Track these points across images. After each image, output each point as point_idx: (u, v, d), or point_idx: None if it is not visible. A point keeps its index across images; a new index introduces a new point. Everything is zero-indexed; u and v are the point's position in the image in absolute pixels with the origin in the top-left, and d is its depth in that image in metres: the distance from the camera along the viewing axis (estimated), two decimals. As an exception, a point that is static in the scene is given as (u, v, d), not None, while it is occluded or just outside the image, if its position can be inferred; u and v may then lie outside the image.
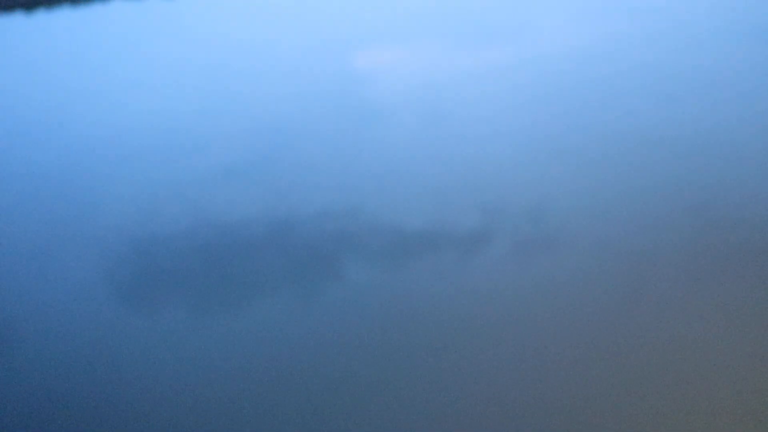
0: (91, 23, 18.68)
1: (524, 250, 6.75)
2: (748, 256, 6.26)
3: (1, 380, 5.72)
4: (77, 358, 5.90)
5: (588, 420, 4.76)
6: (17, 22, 19.89)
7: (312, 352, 5.69)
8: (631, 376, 5.08)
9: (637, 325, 5.57)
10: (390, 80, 12.05)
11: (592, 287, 6.08)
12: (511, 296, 6.09)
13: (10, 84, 14.22)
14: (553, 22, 14.60)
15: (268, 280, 6.73)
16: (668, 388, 4.96)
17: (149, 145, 10.22)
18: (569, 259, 6.50)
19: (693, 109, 9.46)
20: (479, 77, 11.60)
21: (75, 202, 8.65)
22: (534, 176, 8.10)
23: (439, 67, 12.46)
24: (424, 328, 5.81)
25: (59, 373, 5.74)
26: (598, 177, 7.91)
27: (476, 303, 6.05)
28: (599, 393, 4.98)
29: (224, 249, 7.31)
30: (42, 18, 19.80)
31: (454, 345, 5.59)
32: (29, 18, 19.88)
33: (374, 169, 8.69)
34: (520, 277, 6.34)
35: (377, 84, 11.93)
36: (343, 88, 11.77)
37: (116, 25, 18.20)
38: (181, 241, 7.56)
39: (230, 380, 5.48)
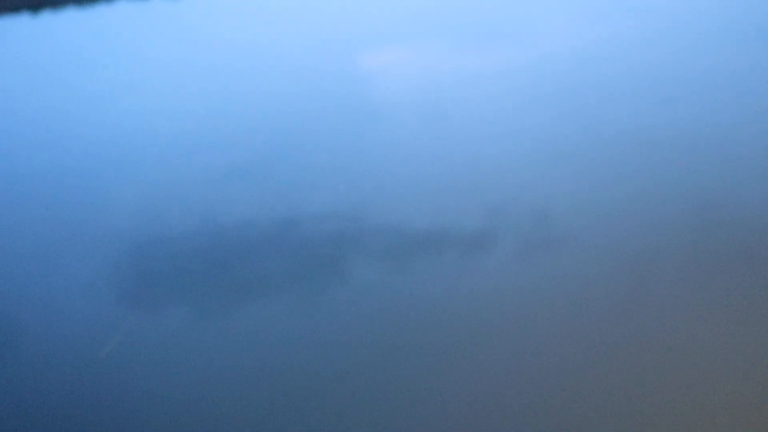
0: (95, 24, 18.70)
1: (527, 251, 6.76)
2: (752, 257, 6.27)
3: (3, 380, 5.74)
4: (78, 358, 5.92)
5: (592, 421, 4.77)
6: (23, 22, 19.92)
7: (314, 352, 5.70)
8: (635, 377, 5.09)
9: (641, 326, 5.58)
10: (392, 81, 12.06)
11: (595, 288, 6.08)
12: (514, 297, 6.09)
13: (16, 84, 14.24)
14: (556, 22, 14.59)
15: (270, 281, 6.74)
16: (673, 389, 4.96)
17: (151, 145, 10.24)
18: (572, 260, 6.51)
19: (696, 111, 9.45)
20: (482, 78, 11.60)
21: (77, 203, 8.67)
22: (537, 177, 8.10)
23: (441, 67, 12.47)
24: (427, 329, 5.82)
25: (61, 374, 5.76)
26: (601, 178, 7.92)
27: (479, 304, 6.06)
28: (603, 394, 4.99)
29: (226, 250, 7.32)
30: (48, 19, 19.82)
31: (456, 346, 5.60)
32: (35, 19, 19.92)
33: (376, 170, 8.70)
34: (523, 277, 6.35)
35: (380, 84, 11.94)
36: (345, 88, 11.78)
37: (121, 26, 18.22)
38: (183, 241, 7.58)
39: (233, 381, 5.49)
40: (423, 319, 5.95)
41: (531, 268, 6.48)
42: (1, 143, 11.18)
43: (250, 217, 7.90)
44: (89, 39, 17.35)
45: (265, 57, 14.12)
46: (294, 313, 6.23)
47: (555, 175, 8.10)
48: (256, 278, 6.82)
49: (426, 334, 5.78)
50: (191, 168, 9.33)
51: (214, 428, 5.06)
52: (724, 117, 9.16)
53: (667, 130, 8.92)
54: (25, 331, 6.38)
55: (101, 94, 12.79)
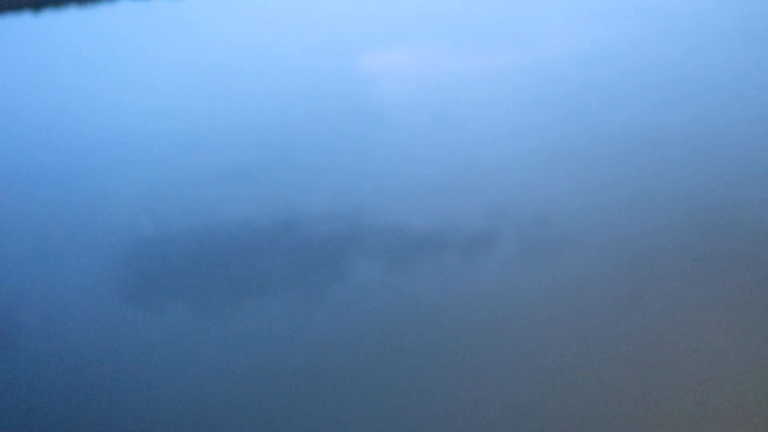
0: (97, 23, 18.70)
1: (527, 252, 6.76)
2: (753, 258, 6.27)
3: (5, 379, 5.75)
4: (80, 357, 5.93)
5: (593, 421, 4.78)
6: (25, 21, 19.92)
7: (314, 352, 5.71)
8: (636, 378, 5.10)
9: (641, 326, 5.58)
10: (394, 81, 12.06)
11: (595, 289, 6.09)
12: (514, 298, 6.10)
13: (17, 83, 14.25)
14: (557, 24, 14.59)
15: (270, 281, 6.75)
16: (673, 390, 4.97)
17: (152, 145, 10.25)
18: (572, 261, 6.52)
19: (697, 112, 9.46)
20: (482, 79, 11.60)
21: (78, 202, 8.67)
22: (537, 178, 8.11)
23: (442, 68, 12.47)
24: (427, 330, 5.83)
25: (62, 373, 5.77)
26: (602, 179, 7.92)
27: (479, 304, 6.07)
28: (604, 394, 4.99)
29: (227, 249, 7.33)
30: (49, 18, 19.82)
31: (456, 346, 5.60)
32: (37, 18, 19.91)
33: (377, 170, 8.71)
34: (523, 278, 6.36)
35: (380, 85, 11.94)
36: (346, 89, 11.78)
37: (122, 26, 18.22)
38: (183, 241, 7.59)
39: (233, 380, 5.50)
40: (423, 320, 5.96)
41: (531, 269, 6.49)
42: (2, 142, 11.18)
43: (251, 217, 7.91)
44: (91, 38, 17.35)
45: (266, 57, 14.13)
46: (294, 313, 6.24)
47: (556, 176, 8.10)
48: (256, 278, 6.83)
49: (426, 334, 5.79)
50: (192, 168, 9.34)
51: (214, 428, 5.07)
52: (725, 118, 9.17)
53: (667, 132, 8.93)
54: (25, 330, 6.39)
55: (102, 93, 12.79)
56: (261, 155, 9.51)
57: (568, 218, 7.22)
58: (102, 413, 5.31)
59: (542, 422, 4.83)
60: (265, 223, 7.77)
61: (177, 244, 7.55)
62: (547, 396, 5.04)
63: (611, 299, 5.96)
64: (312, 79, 12.34)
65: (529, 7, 16.13)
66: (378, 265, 6.81)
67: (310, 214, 7.82)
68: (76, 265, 7.33)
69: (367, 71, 12.71)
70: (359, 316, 6.10)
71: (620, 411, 4.85)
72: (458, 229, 7.26)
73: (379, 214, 7.71)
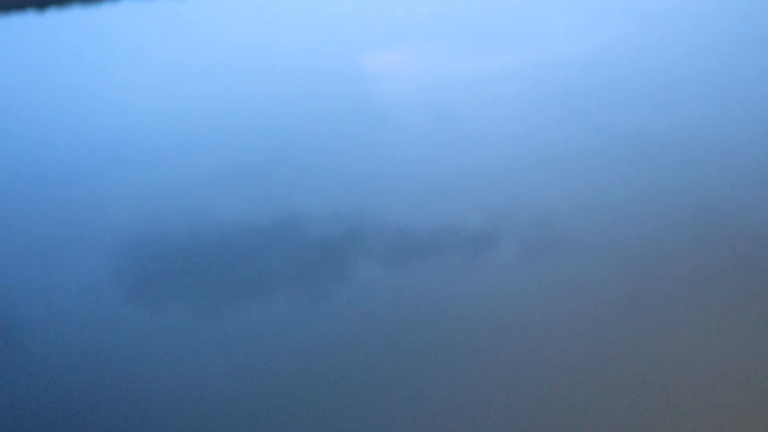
0: (100, 23, 18.73)
1: (529, 253, 6.77)
2: (754, 261, 6.27)
3: (5, 377, 5.76)
4: (80, 356, 5.94)
5: (594, 423, 4.78)
6: (29, 20, 19.95)
7: (314, 353, 5.71)
8: (637, 380, 5.10)
9: (644, 329, 5.58)
10: (395, 82, 12.07)
11: (597, 291, 6.09)
12: (516, 299, 6.10)
13: (20, 82, 14.27)
14: (561, 26, 14.59)
15: (271, 281, 6.75)
16: (674, 392, 4.97)
17: (154, 145, 10.26)
18: (574, 263, 6.52)
19: (699, 115, 9.46)
20: (485, 80, 11.61)
21: (79, 202, 8.69)
22: (540, 180, 8.11)
23: (444, 69, 12.48)
24: (428, 331, 5.83)
25: (62, 372, 5.77)
26: (604, 182, 7.92)
27: (482, 305, 6.07)
28: (605, 397, 4.99)
29: (228, 249, 7.34)
30: (53, 17, 19.84)
31: (458, 348, 5.60)
32: (41, 16, 19.94)
33: (378, 171, 8.71)
34: (525, 280, 6.36)
35: (382, 85, 11.95)
36: (348, 89, 11.79)
37: (125, 25, 18.24)
38: (185, 241, 7.60)
39: (233, 381, 5.50)
40: (424, 321, 5.96)
41: (532, 271, 6.49)
42: (4, 141, 11.20)
43: (252, 218, 7.91)
44: (94, 37, 17.38)
45: (268, 57, 14.14)
46: (294, 313, 6.25)
47: (557, 178, 8.11)
48: (257, 278, 6.84)
49: (427, 335, 5.79)
50: (194, 168, 9.35)
51: (213, 427, 5.07)
52: (727, 121, 9.17)
53: (669, 134, 8.93)
54: (25, 329, 6.39)
55: (104, 93, 12.81)
56: (262, 155, 9.52)
57: (569, 220, 7.23)
58: (101, 412, 5.31)
59: (543, 423, 4.83)
60: (266, 223, 7.78)
61: (177, 243, 7.56)
62: (548, 397, 5.04)
63: (612, 301, 5.96)
64: (313, 80, 12.35)
65: (531, 8, 16.14)
66: (379, 266, 6.81)
67: (311, 215, 7.83)
68: (77, 264, 7.34)
69: (368, 72, 12.72)
70: (360, 317, 6.10)
71: (620, 412, 4.85)
72: (459, 230, 7.26)
73: (380, 214, 7.72)
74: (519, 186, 8.05)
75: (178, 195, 8.61)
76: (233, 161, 9.39)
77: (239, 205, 8.21)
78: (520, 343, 5.59)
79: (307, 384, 5.39)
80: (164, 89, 12.76)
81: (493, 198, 7.84)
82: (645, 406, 4.88)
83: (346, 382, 5.38)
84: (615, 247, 6.67)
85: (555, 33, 14.14)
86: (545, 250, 6.78)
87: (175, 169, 9.33)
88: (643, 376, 5.13)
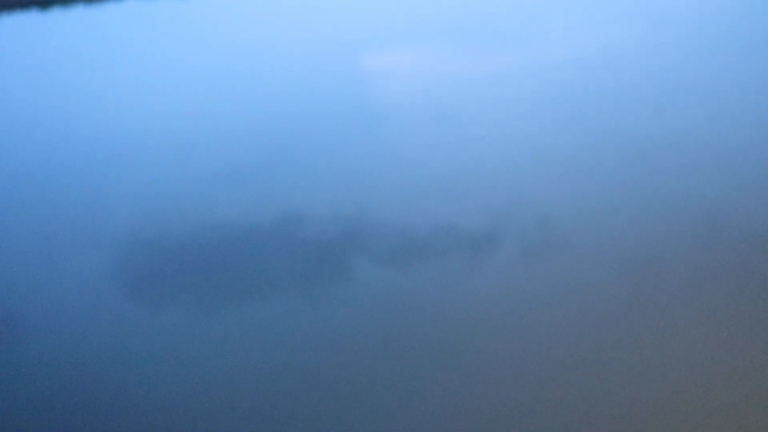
0: (103, 22, 18.72)
1: (531, 254, 6.76)
2: (753, 263, 6.27)
3: (7, 375, 5.77)
4: (81, 354, 5.94)
5: (595, 423, 4.78)
6: (32, 19, 19.95)
7: (315, 351, 5.71)
8: (638, 381, 5.10)
9: (644, 330, 5.58)
10: (397, 83, 12.06)
11: (598, 293, 6.09)
12: (517, 300, 6.10)
13: (22, 81, 14.26)
14: (562, 29, 14.58)
15: (273, 280, 6.75)
16: (672, 393, 4.97)
17: (157, 145, 10.25)
18: (574, 264, 6.51)
19: (702, 118, 9.45)
20: (487, 81, 11.60)
21: (81, 201, 8.68)
22: (541, 182, 8.11)
23: (446, 70, 12.47)
24: (430, 331, 5.83)
25: (64, 369, 5.78)
26: (605, 184, 7.92)
27: (482, 306, 6.06)
28: (606, 397, 5.00)
29: (229, 249, 7.34)
30: (56, 16, 19.85)
31: (459, 348, 5.60)
32: (44, 15, 19.94)
33: (380, 171, 8.71)
34: (525, 281, 6.35)
35: (385, 86, 11.94)
36: (350, 90, 11.78)
37: (128, 25, 18.24)
38: (186, 240, 7.59)
39: (234, 378, 5.50)
40: (424, 321, 5.96)
41: (533, 272, 6.49)
42: (5, 139, 11.20)
43: (254, 217, 7.91)
44: (96, 37, 17.38)
45: (270, 58, 14.13)
46: (295, 312, 6.25)
47: (558, 180, 8.10)
48: (258, 277, 6.84)
49: (427, 336, 5.79)
50: (195, 167, 9.34)
51: (215, 425, 5.08)
52: (729, 125, 9.16)
53: (671, 137, 8.92)
54: (27, 326, 6.40)
55: (106, 92, 12.81)
56: (263, 155, 9.52)
57: (570, 222, 7.22)
58: (102, 408, 5.32)
59: (543, 423, 4.84)
60: (267, 222, 7.78)
61: (178, 242, 7.56)
62: (548, 397, 5.04)
63: (612, 303, 5.96)
64: (315, 80, 12.34)
65: (533, 11, 16.12)
66: (379, 266, 6.81)
67: (312, 215, 7.83)
68: (77, 263, 7.34)
69: (369, 72, 12.72)
70: (360, 317, 6.10)
71: (621, 412, 4.86)
72: (460, 231, 7.26)
73: (381, 214, 7.72)
74: (520, 187, 8.04)
75: (179, 194, 8.61)
76: (234, 161, 9.39)
77: (240, 204, 8.21)
78: (520, 344, 5.59)
79: (307, 383, 5.39)
80: (166, 89, 12.76)
81: (493, 199, 7.84)
82: (645, 406, 4.88)
83: (346, 381, 5.38)
84: (615, 249, 6.67)
85: (556, 35, 14.13)
86: (545, 251, 6.78)
87: (176, 169, 9.32)
88: (643, 377, 5.14)
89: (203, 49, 15.12)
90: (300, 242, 7.32)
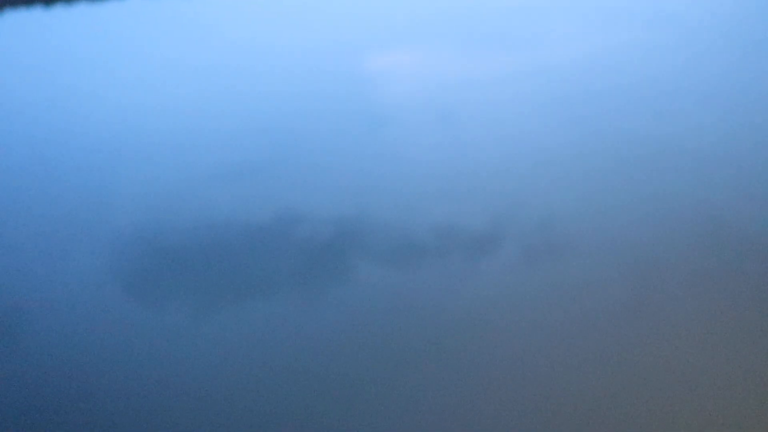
0: (106, 20, 18.72)
1: (532, 256, 6.77)
2: (756, 265, 6.27)
3: (9, 373, 5.77)
4: (82, 352, 5.95)
5: (595, 425, 4.79)
6: (36, 16, 19.95)
7: (317, 352, 5.72)
8: (639, 382, 5.11)
9: (646, 332, 5.59)
10: (399, 84, 12.06)
11: (599, 295, 6.10)
12: (518, 301, 6.11)
13: (25, 78, 14.26)
14: (563, 30, 14.57)
15: (274, 280, 6.76)
16: (676, 394, 4.98)
17: (158, 143, 10.26)
18: (576, 266, 6.52)
19: (704, 121, 9.45)
20: (488, 83, 11.60)
21: (82, 200, 8.68)
22: (543, 183, 8.11)
23: (448, 71, 12.46)
24: (430, 332, 5.84)
25: (66, 368, 5.78)
26: (607, 186, 7.92)
27: (483, 307, 6.07)
28: (606, 398, 5.00)
29: (230, 248, 7.34)
30: (60, 13, 19.84)
31: (459, 349, 5.61)
32: (48, 13, 19.94)
33: (382, 172, 8.71)
34: (527, 282, 6.36)
35: (386, 87, 11.94)
36: (352, 90, 11.78)
37: (131, 23, 18.24)
38: (186, 239, 7.60)
39: (235, 377, 5.51)
40: (425, 322, 5.96)
41: (535, 274, 6.49)
42: (7, 137, 11.21)
43: (254, 217, 7.92)
44: (99, 35, 17.37)
45: (273, 58, 14.13)
46: (296, 312, 6.25)
47: (560, 182, 8.11)
48: (259, 277, 6.85)
49: (428, 337, 5.79)
50: (196, 166, 9.34)
51: (214, 424, 5.08)
52: (731, 128, 9.16)
53: (673, 140, 8.92)
54: (27, 324, 6.41)
55: (107, 90, 12.81)
56: (264, 155, 9.52)
57: (571, 224, 7.23)
58: (102, 406, 5.32)
59: (544, 424, 4.84)
60: (268, 222, 7.78)
61: (178, 241, 7.57)
62: (548, 398, 5.05)
63: (613, 305, 5.97)
64: (317, 80, 12.34)
65: (535, 12, 16.11)
66: (380, 267, 6.82)
67: (313, 215, 7.83)
68: (78, 261, 7.35)
69: (371, 73, 12.72)
70: (360, 317, 6.11)
71: (621, 414, 4.86)
72: (461, 232, 7.27)
73: (382, 215, 7.72)
74: (521, 188, 8.05)
75: (180, 193, 8.62)
76: (235, 160, 9.39)
77: (240, 203, 8.21)
78: (521, 345, 5.59)
79: (306, 383, 5.40)
80: (168, 87, 12.76)
81: (494, 200, 7.84)
82: (645, 408, 4.88)
83: (346, 381, 5.39)
84: (617, 252, 6.68)
85: (558, 37, 14.12)
86: (547, 253, 6.78)
87: (177, 168, 9.33)
88: (643, 379, 5.14)
89: (205, 48, 15.12)
90: (300, 242, 7.32)
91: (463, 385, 5.24)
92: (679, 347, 5.42)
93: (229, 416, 5.16)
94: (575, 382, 5.18)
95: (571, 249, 6.79)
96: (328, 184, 8.50)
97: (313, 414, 5.10)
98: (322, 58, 13.59)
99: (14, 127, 11.56)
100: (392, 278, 6.63)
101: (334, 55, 13.68)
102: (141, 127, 10.90)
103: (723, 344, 5.43)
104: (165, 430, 5.09)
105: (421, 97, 11.24)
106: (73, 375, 5.69)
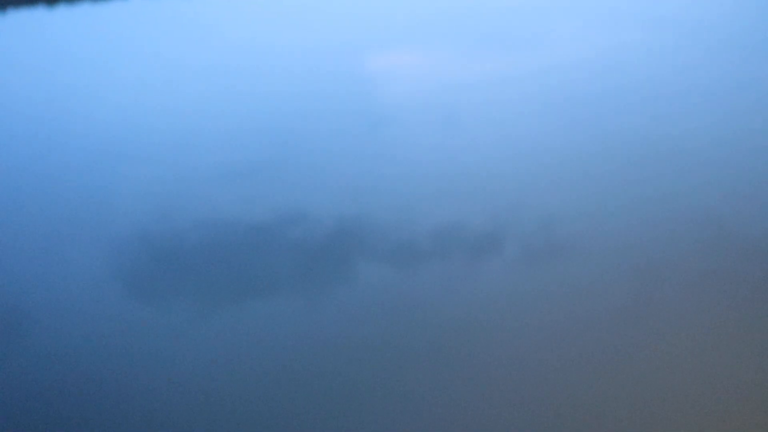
0: (109, 20, 18.74)
1: (533, 257, 6.77)
2: (756, 267, 6.28)
3: (10, 373, 5.78)
4: (85, 351, 5.96)
5: (595, 426, 4.79)
6: (38, 16, 19.96)
7: (318, 352, 5.72)
8: (639, 384, 5.11)
9: (646, 334, 5.59)
10: (401, 84, 12.07)
11: (600, 296, 6.10)
12: (519, 302, 6.11)
13: (27, 78, 14.27)
14: (566, 31, 14.58)
15: (275, 280, 6.76)
16: (676, 396, 4.98)
17: (161, 143, 10.26)
18: (578, 267, 6.52)
19: (704, 122, 9.45)
20: (490, 84, 11.60)
21: (83, 200, 8.69)
22: (545, 184, 8.11)
23: (450, 72, 12.47)
24: (431, 332, 5.84)
25: (68, 367, 5.79)
26: (609, 187, 7.92)
27: (484, 308, 6.07)
28: (607, 400, 5.01)
29: (232, 247, 7.35)
30: (63, 13, 19.86)
31: (460, 349, 5.61)
32: (50, 13, 19.95)
33: (384, 172, 8.71)
34: (528, 283, 6.36)
35: (388, 87, 11.94)
36: (354, 90, 11.79)
37: (133, 23, 18.25)
38: (189, 238, 7.61)
39: (236, 376, 5.52)
40: (426, 323, 5.97)
41: (536, 275, 6.50)
42: (10, 136, 11.22)
43: (256, 216, 7.92)
44: (101, 34, 17.39)
45: (276, 58, 14.14)
46: (297, 312, 6.26)
47: (562, 183, 8.11)
48: (261, 276, 6.85)
49: (429, 337, 5.80)
50: (199, 166, 9.35)
51: (214, 423, 5.09)
52: (731, 129, 9.16)
53: (675, 142, 8.93)
54: (30, 323, 6.42)
55: (110, 90, 12.82)
56: (266, 155, 9.52)
57: (573, 225, 7.23)
58: (104, 405, 5.33)
59: (544, 425, 4.85)
60: (270, 222, 7.79)
61: (180, 241, 7.57)
62: (549, 399, 5.05)
63: (614, 306, 5.97)
64: (318, 81, 12.35)
65: (537, 13, 16.12)
66: (381, 267, 6.82)
67: (315, 215, 7.84)
68: (81, 260, 7.36)
69: (373, 73, 12.72)
70: (362, 317, 6.11)
71: (621, 415, 4.87)
72: (462, 233, 7.27)
73: (383, 215, 7.73)
74: (522, 189, 8.05)
75: (183, 193, 8.62)
76: (236, 160, 9.40)
77: (241, 204, 8.22)
78: (521, 346, 5.60)
79: (306, 383, 5.40)
80: (169, 87, 12.77)
81: (495, 201, 7.85)
82: (645, 410, 4.89)
83: (347, 381, 5.39)
84: (617, 253, 6.68)
85: (561, 38, 14.13)
86: (547, 254, 6.79)
87: (178, 168, 9.33)
88: (643, 380, 5.15)
89: (206, 48, 15.13)
90: (300, 242, 7.33)
91: (463, 386, 5.25)
92: (679, 348, 5.43)
93: (229, 416, 5.17)
94: (575, 383, 5.18)
95: (572, 250, 6.79)
96: (328, 184, 8.50)
97: (312, 414, 5.11)
98: (322, 58, 13.60)
99: (16, 127, 11.57)
100: (393, 278, 6.63)
101: (335, 55, 13.69)
102: (142, 126, 10.90)
103: (723, 345, 5.43)
104: (165, 429, 5.10)
105: (422, 98, 11.25)
106: (73, 375, 5.70)
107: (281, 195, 8.35)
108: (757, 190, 7.61)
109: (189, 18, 18.33)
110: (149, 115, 11.39)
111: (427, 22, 15.89)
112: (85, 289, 6.83)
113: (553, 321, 5.83)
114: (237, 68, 13.51)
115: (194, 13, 18.76)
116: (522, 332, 5.75)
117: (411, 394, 5.20)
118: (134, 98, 12.20)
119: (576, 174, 8.29)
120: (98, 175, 9.31)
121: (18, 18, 19.99)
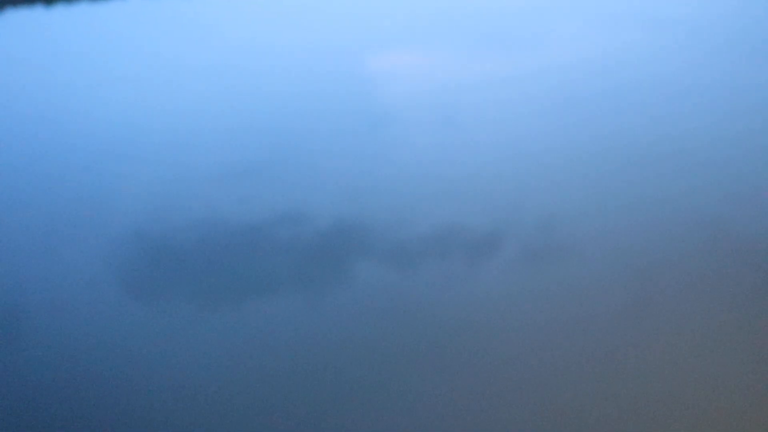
0: (107, 19, 18.73)
1: (533, 257, 6.78)
2: (758, 268, 6.28)
3: (7, 374, 5.78)
4: (83, 353, 5.95)
5: (595, 428, 4.79)
6: (36, 15, 19.97)
7: (317, 353, 5.73)
8: (639, 386, 5.11)
9: (646, 335, 5.60)
10: (401, 84, 12.07)
11: (600, 297, 6.10)
12: (519, 303, 6.12)
13: (25, 78, 14.27)
14: (567, 32, 14.59)
15: (274, 281, 6.77)
16: (676, 398, 4.99)
17: (159, 142, 10.26)
18: (578, 268, 6.53)
19: (705, 123, 9.46)
20: (490, 84, 11.61)
21: (82, 199, 8.69)
22: (544, 185, 8.12)
23: (451, 72, 12.48)
24: (431, 334, 5.84)
25: (65, 368, 5.79)
26: (609, 188, 7.93)
27: (484, 308, 6.08)
28: (607, 402, 5.01)
29: (231, 247, 7.35)
30: (61, 12, 19.87)
31: (460, 350, 5.62)
32: (48, 12, 19.96)
33: (383, 173, 8.72)
34: (528, 284, 6.37)
35: (388, 87, 11.95)
36: (353, 90, 11.79)
37: (132, 22, 18.25)
38: (188, 238, 7.61)
39: (235, 377, 5.52)
40: (426, 324, 5.97)
41: (536, 276, 6.50)
42: (8, 136, 11.21)
43: (255, 216, 7.93)
44: (100, 34, 17.39)
45: (275, 57, 14.15)
46: (296, 313, 6.26)
47: (562, 183, 8.12)
48: (260, 277, 6.85)
49: (429, 338, 5.80)
50: (198, 166, 9.36)
51: (214, 425, 5.09)
52: (734, 131, 9.17)
53: (676, 142, 8.94)
54: (28, 324, 6.41)
55: (108, 89, 12.82)
56: (265, 155, 9.53)
57: (573, 225, 7.24)
58: (103, 407, 5.33)
59: (544, 426, 4.85)
60: (269, 222, 7.79)
61: (179, 241, 7.58)
62: (548, 402, 5.05)
63: (614, 307, 5.98)
64: (318, 81, 12.35)
65: (537, 13, 16.13)
66: (381, 268, 6.83)
67: (314, 215, 7.84)
68: (79, 260, 7.35)
69: (373, 73, 12.73)
70: (361, 318, 6.12)
71: (621, 417, 4.87)
72: (462, 233, 7.27)
73: (383, 216, 7.73)
74: (523, 190, 8.06)
75: (181, 193, 8.62)
76: (236, 160, 9.41)
77: (241, 204, 8.22)
78: (522, 347, 5.60)
79: (306, 383, 5.40)
80: (169, 87, 12.77)
81: (496, 201, 7.85)
82: (645, 412, 4.89)
83: (347, 382, 5.39)
84: (618, 254, 6.69)
85: (561, 38, 14.14)
86: (548, 255, 6.79)
87: (179, 167, 9.34)
88: (644, 383, 5.15)
89: (205, 48, 15.13)
90: (300, 242, 7.33)
91: (463, 386, 5.25)
92: (679, 349, 5.43)
93: (229, 416, 5.16)
94: (576, 383, 5.18)
95: (572, 251, 6.80)
96: (328, 185, 8.51)
97: (312, 414, 5.11)
98: (322, 58, 13.60)
99: (14, 126, 11.57)
100: (392, 278, 6.63)
101: (335, 55, 13.69)
102: (141, 126, 10.90)
103: (723, 346, 5.43)
104: (163, 429, 5.09)
105: (422, 98, 11.26)
106: (70, 374, 5.70)
107: (280, 195, 8.35)
108: (758, 191, 7.61)
109: (187, 18, 18.33)
110: (148, 114, 11.39)
111: (427, 22, 15.90)
112: (82, 289, 6.82)
113: (553, 321, 5.83)
114: (236, 68, 13.51)
115: (192, 12, 18.76)
116: (522, 332, 5.75)
117: (411, 394, 5.20)
118: (132, 98, 12.20)
119: (576, 174, 8.29)
120: (96, 174, 9.30)
121: (16, 17, 20.00)
